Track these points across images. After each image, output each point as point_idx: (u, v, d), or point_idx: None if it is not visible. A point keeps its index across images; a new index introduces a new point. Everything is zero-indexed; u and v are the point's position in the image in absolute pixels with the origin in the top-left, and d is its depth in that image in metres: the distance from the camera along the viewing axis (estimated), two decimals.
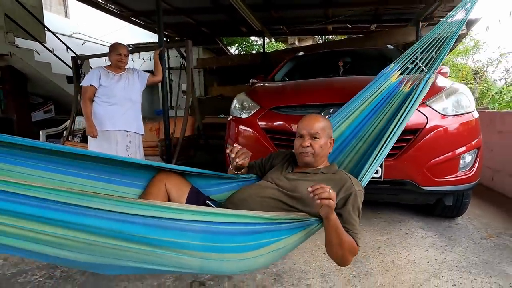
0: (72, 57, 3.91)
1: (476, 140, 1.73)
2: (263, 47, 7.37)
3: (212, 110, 6.14)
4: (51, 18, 6.63)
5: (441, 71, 2.46)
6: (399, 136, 1.37)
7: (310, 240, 1.33)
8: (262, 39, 7.59)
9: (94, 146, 2.43)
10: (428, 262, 1.61)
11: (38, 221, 0.76)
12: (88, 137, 2.41)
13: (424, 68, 1.65)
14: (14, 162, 1.03)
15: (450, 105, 1.72)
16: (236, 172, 1.43)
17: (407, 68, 1.69)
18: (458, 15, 1.78)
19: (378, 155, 1.26)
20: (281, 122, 1.88)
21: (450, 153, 1.66)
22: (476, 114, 1.77)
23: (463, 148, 1.69)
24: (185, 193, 1.24)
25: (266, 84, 2.49)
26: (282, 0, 5.41)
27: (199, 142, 3.77)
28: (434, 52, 1.68)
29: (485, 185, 3.11)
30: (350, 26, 6.92)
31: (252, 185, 1.30)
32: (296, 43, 10.55)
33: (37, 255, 0.82)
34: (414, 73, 1.65)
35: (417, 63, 1.69)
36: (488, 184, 3.07)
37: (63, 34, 6.51)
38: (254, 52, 11.42)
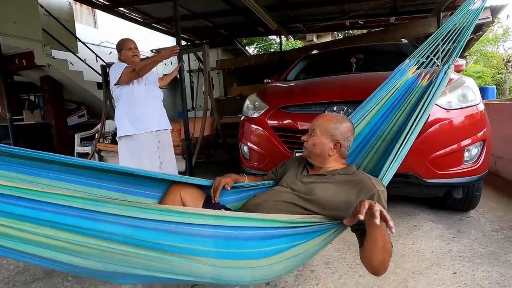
0: (101, 65, 4.24)
1: (482, 132, 1.75)
2: (280, 46, 7.47)
3: (232, 110, 6.33)
4: (81, 29, 7.15)
5: (456, 63, 2.44)
6: None
7: None
8: (279, 38, 7.68)
9: (124, 150, 2.33)
10: (432, 252, 1.66)
11: (53, 227, 0.78)
12: (119, 141, 2.34)
13: (440, 62, 1.56)
14: (28, 172, 1.04)
15: (454, 99, 1.75)
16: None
17: (423, 62, 1.61)
18: (475, 4, 1.64)
19: (399, 152, 1.20)
20: (288, 121, 2.00)
21: (453, 146, 1.69)
22: (481, 107, 1.78)
23: (468, 141, 1.72)
24: (200, 202, 1.23)
25: (276, 84, 2.61)
26: None
27: (218, 141, 3.96)
28: (450, 43, 1.58)
29: (508, 179, 3.03)
30: (361, 23, 6.83)
31: (267, 191, 1.27)
32: (315, 39, 10.50)
33: (53, 262, 0.83)
34: (431, 67, 1.58)
35: (434, 56, 1.60)
36: (511, 178, 2.98)
37: (92, 44, 7.00)
38: (272, 50, 11.52)
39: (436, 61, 1.58)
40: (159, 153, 2.40)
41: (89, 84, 5.72)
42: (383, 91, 1.53)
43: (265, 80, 3.39)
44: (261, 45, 12.40)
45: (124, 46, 2.30)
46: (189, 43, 8.03)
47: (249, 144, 2.24)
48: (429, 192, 1.95)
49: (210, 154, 3.92)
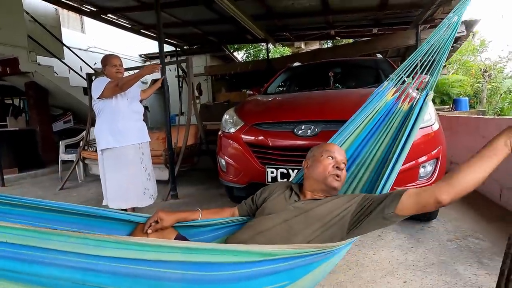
0: (87, 73, 4.29)
1: (436, 150, 1.90)
2: (267, 54, 7.63)
3: (220, 116, 6.40)
4: (68, 34, 7.15)
5: (420, 79, 2.60)
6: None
7: None
8: (266, 46, 7.84)
9: (107, 162, 2.34)
10: (389, 262, 1.80)
11: None
12: (100, 154, 2.38)
13: (417, 88, 1.51)
14: None
15: None
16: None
17: (402, 84, 1.55)
18: (444, 30, 1.52)
19: (384, 182, 1.16)
20: (261, 137, 2.12)
21: (408, 164, 1.84)
22: (436, 127, 1.94)
23: (423, 158, 1.87)
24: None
25: (253, 99, 2.74)
26: (284, 9, 5.63)
27: (202, 148, 4.05)
28: (429, 65, 1.50)
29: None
30: (339, 38, 7.06)
31: (248, 225, 1.11)
32: (303, 46, 10.73)
33: None
34: (409, 89, 1.50)
35: (411, 78, 1.55)
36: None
37: (79, 49, 7.01)
38: (261, 56, 11.70)
39: (417, 81, 1.52)
40: (144, 165, 2.47)
41: (75, 90, 5.75)
42: (362, 114, 1.46)
43: (247, 92, 3.52)
44: (251, 51, 12.57)
45: (109, 63, 2.36)
46: (178, 49, 8.11)
47: (225, 158, 2.35)
48: None
49: (193, 163, 4.02)
